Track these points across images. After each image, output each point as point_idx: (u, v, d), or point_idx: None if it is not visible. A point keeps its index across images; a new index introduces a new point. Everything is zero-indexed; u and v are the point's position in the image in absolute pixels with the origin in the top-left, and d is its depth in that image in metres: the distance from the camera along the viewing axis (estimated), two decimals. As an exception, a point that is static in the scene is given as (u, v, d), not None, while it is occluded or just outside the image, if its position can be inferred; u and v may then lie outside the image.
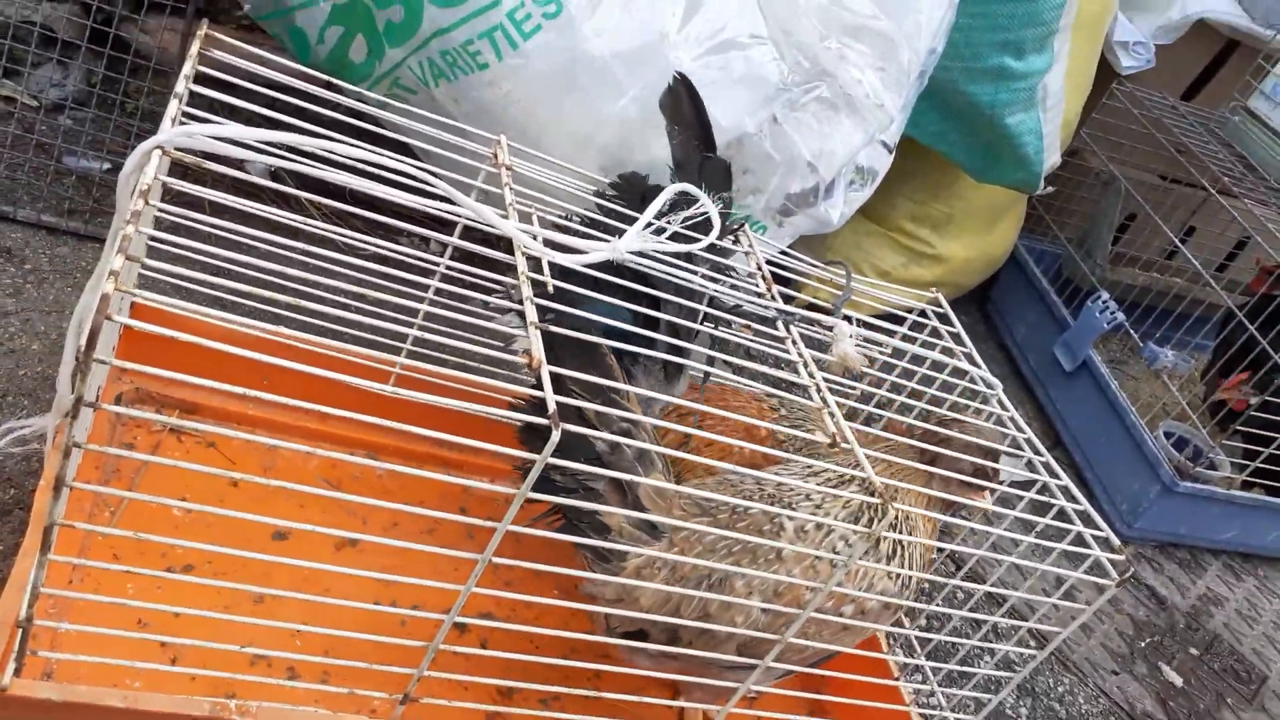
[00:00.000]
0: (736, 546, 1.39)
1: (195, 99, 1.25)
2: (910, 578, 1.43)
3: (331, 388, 1.21)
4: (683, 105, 1.62)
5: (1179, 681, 2.56)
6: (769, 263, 1.62)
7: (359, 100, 1.42)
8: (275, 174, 1.98)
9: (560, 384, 1.19)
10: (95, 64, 2.10)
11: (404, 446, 1.76)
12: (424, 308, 1.51)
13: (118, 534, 1.32)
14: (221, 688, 1.25)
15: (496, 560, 1.20)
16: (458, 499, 1.80)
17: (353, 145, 1.20)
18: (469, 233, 1.47)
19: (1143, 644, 2.63)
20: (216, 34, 1.37)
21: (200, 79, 1.31)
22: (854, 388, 1.66)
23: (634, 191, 1.55)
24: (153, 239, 1.11)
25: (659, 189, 1.51)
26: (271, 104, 1.32)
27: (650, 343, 1.35)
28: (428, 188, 1.29)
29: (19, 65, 2.14)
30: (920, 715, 1.67)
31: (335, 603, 1.22)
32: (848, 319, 1.57)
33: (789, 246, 1.94)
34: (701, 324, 1.48)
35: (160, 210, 1.15)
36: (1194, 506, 2.83)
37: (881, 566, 1.40)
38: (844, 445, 1.31)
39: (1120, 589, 2.77)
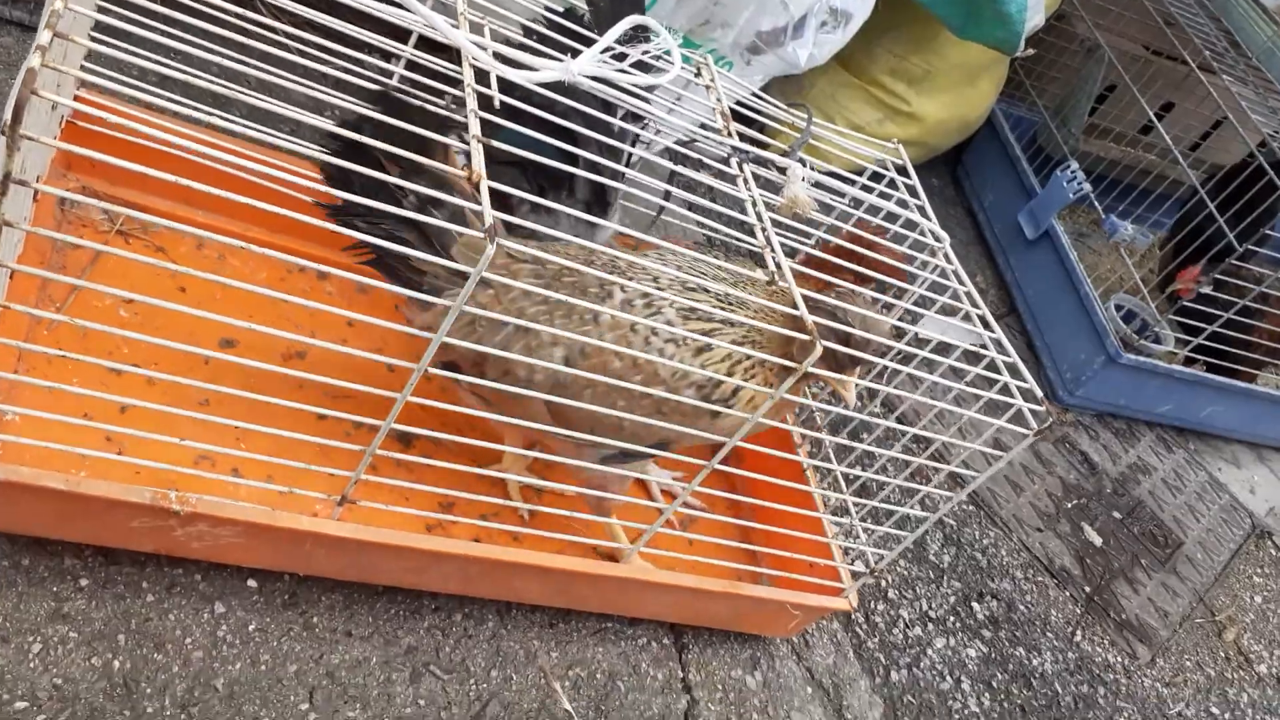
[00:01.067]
0: (554, 301, 1.39)
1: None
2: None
3: (281, 197, 1.20)
4: None
5: (1099, 541, 2.69)
6: (734, 102, 1.60)
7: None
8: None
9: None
10: None
11: (353, 266, 1.77)
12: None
13: (66, 320, 1.33)
14: (165, 482, 1.29)
15: (432, 370, 1.23)
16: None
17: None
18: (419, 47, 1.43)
19: (1070, 505, 2.75)
20: None
21: None
22: (808, 236, 1.68)
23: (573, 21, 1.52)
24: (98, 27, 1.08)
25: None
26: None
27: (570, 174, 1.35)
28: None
29: None
30: (840, 548, 1.76)
31: (280, 403, 1.25)
32: (803, 163, 1.57)
33: (761, 91, 1.91)
34: (630, 160, 1.47)
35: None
36: (1135, 378, 2.91)
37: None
38: (782, 283, 1.33)
39: (1054, 453, 2.89)
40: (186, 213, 1.69)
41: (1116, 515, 2.81)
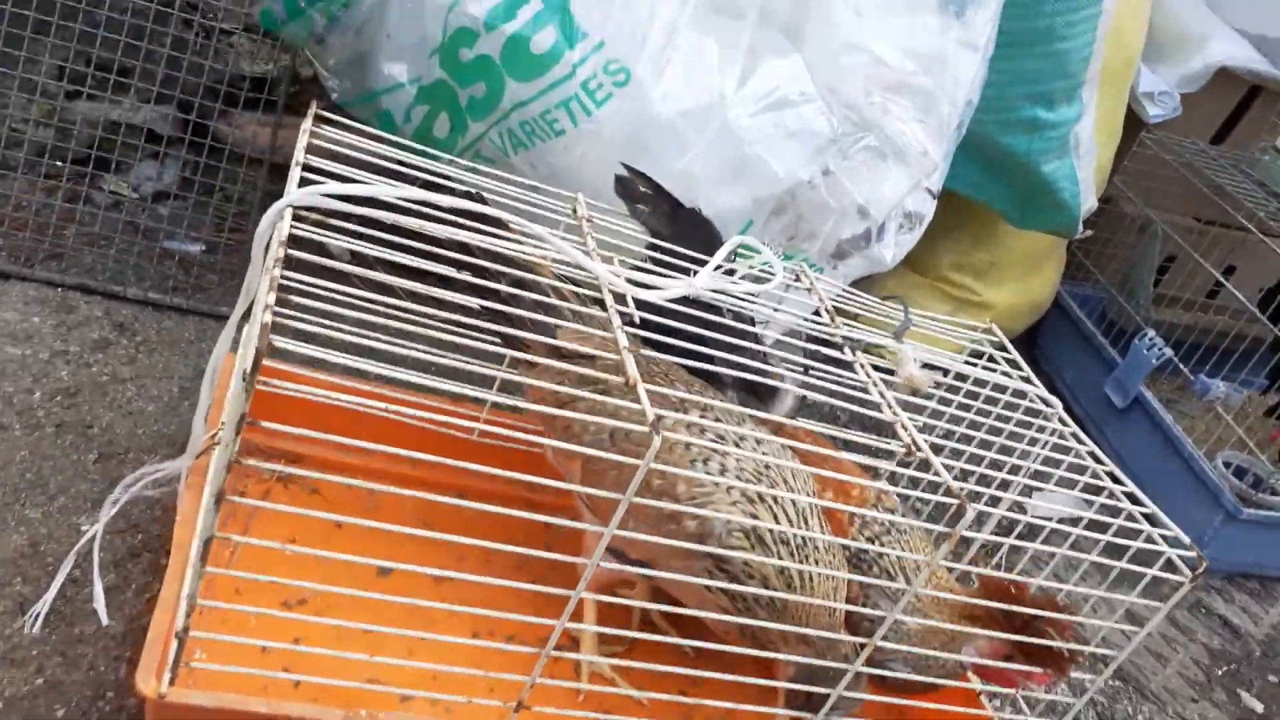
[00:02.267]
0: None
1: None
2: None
3: (423, 436, 1.32)
4: (636, 184, 1.78)
5: (1260, 708, 2.55)
6: (831, 298, 1.73)
7: (452, 167, 1.57)
8: (355, 255, 2.14)
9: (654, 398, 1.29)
10: (192, 156, 2.29)
11: (490, 488, 1.87)
12: (502, 372, 1.63)
13: (262, 544, 1.43)
14: (342, 705, 1.33)
15: (586, 596, 1.29)
16: (542, 535, 1.89)
17: (458, 199, 1.34)
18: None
19: (1220, 672, 2.62)
20: (324, 114, 1.53)
21: (310, 150, 1.46)
22: (923, 408, 1.75)
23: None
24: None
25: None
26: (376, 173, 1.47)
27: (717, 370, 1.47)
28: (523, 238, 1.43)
29: (127, 159, 2.34)
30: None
31: (441, 607, 1.32)
32: (910, 345, 1.67)
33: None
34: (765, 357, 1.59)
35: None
36: (1259, 533, 2.84)
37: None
38: (919, 453, 1.39)
39: (1192, 619, 2.78)
40: (338, 455, 1.82)
41: (1273, 678, 2.67)
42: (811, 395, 1.42)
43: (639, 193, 1.76)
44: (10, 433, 1.72)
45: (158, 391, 1.92)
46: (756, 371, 1.49)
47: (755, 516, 1.41)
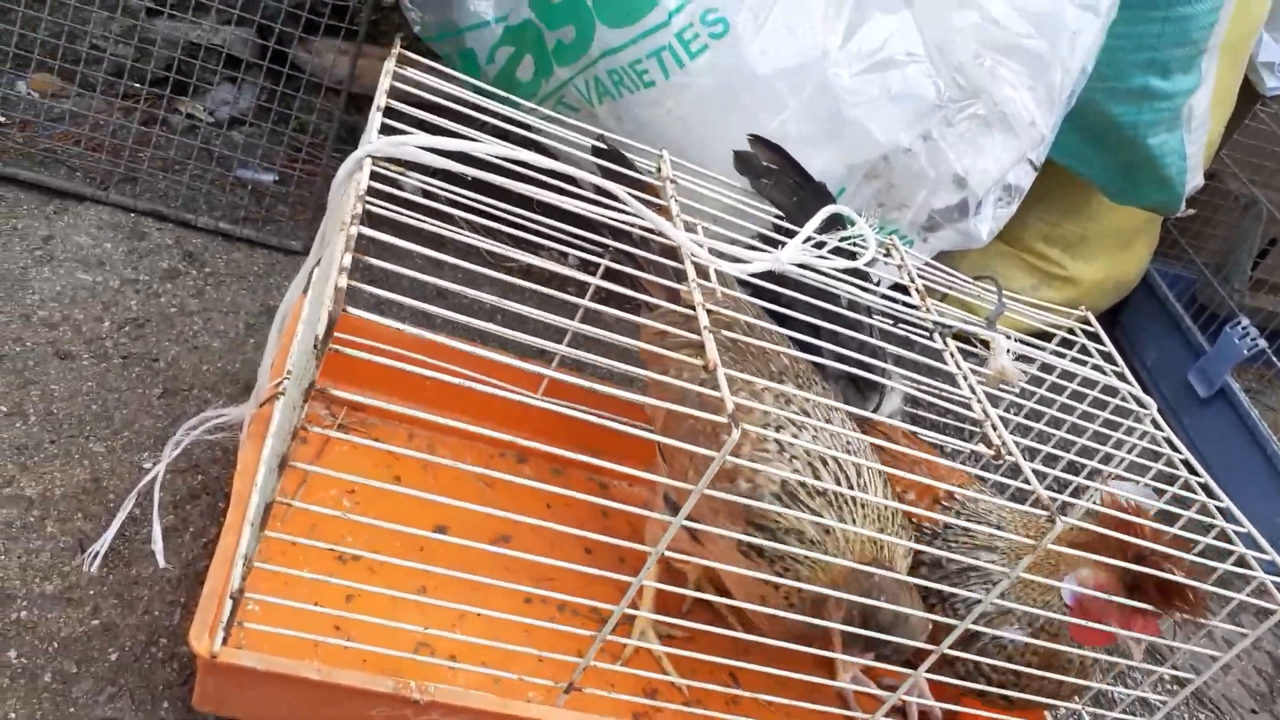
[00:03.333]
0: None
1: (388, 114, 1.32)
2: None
3: (486, 393, 1.27)
4: (758, 158, 1.67)
5: (1323, 722, 2.46)
6: (919, 276, 1.64)
7: (533, 116, 1.49)
8: (427, 193, 2.08)
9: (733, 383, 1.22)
10: (269, 83, 2.24)
11: (551, 452, 1.83)
12: (574, 325, 1.57)
13: (316, 510, 1.41)
14: (391, 670, 1.32)
15: (647, 584, 1.25)
16: (599, 509, 1.85)
17: (541, 157, 1.27)
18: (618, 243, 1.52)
19: (1284, 683, 2.53)
20: (407, 54, 1.46)
21: (392, 94, 1.39)
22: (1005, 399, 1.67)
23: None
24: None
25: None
26: (456, 120, 1.40)
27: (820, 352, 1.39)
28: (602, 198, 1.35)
29: (204, 83, 2.29)
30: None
31: (492, 583, 1.30)
32: (1006, 335, 1.58)
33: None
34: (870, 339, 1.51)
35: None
36: (1341, 541, 2.71)
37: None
38: (1007, 456, 1.32)
39: (1255, 624, 2.68)
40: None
41: (1340, 693, 2.57)
42: (904, 389, 1.34)
43: (761, 167, 1.67)
44: (78, 362, 1.71)
45: (224, 327, 1.90)
46: (863, 365, 1.41)
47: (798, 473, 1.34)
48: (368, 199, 1.17)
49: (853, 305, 1.51)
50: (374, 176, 1.22)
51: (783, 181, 1.64)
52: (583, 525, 1.28)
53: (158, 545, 1.44)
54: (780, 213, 1.62)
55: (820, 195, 1.67)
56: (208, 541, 1.52)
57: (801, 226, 1.49)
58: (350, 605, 1.45)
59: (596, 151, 1.57)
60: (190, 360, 1.80)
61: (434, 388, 1.41)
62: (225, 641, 1.18)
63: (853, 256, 1.50)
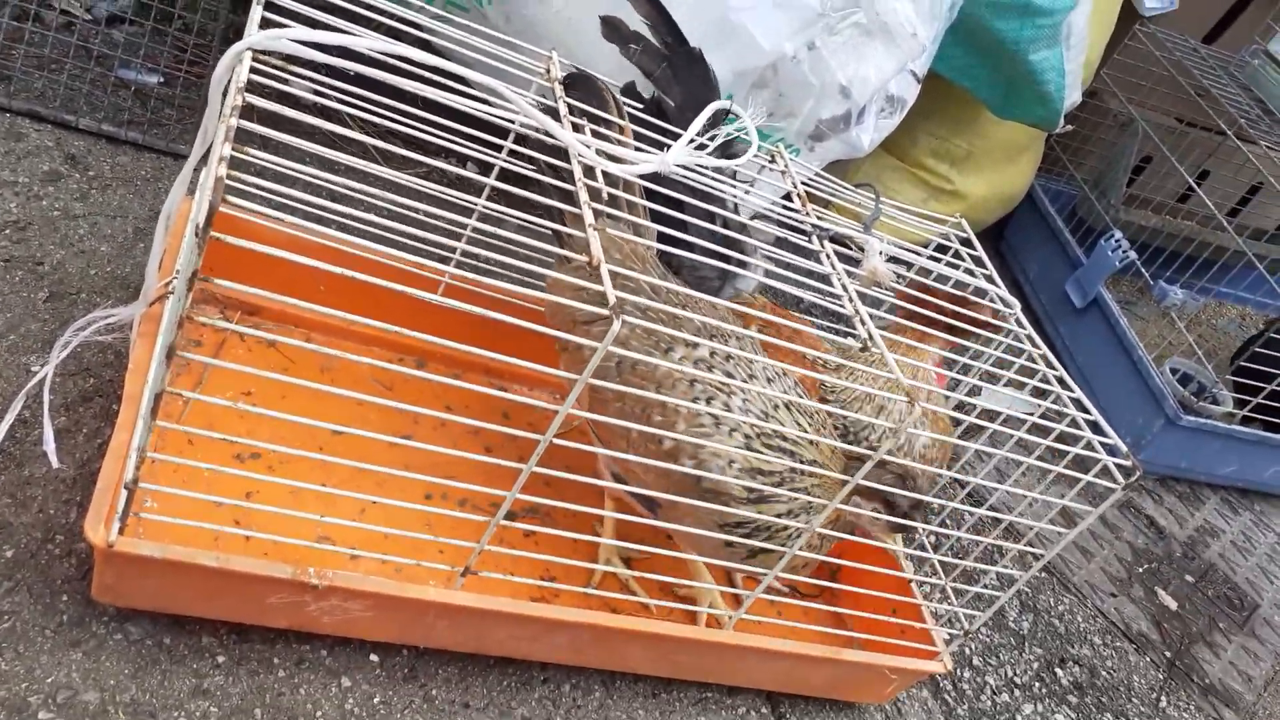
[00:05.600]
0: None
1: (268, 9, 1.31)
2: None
3: (384, 294, 1.30)
4: (626, 26, 1.67)
5: (1174, 605, 2.69)
6: (802, 183, 1.70)
7: (423, 16, 1.49)
8: (319, 93, 2.05)
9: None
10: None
11: (451, 353, 1.87)
12: (472, 222, 1.60)
13: (211, 402, 1.43)
14: (292, 560, 1.36)
15: (538, 470, 1.30)
16: (500, 402, 1.90)
17: (425, 54, 1.28)
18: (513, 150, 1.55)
19: (1140, 570, 2.75)
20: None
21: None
22: (883, 301, 1.76)
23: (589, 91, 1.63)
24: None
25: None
26: (347, 19, 1.39)
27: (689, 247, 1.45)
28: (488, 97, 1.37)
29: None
30: (930, 611, 1.79)
31: (394, 473, 1.34)
32: (878, 237, 1.66)
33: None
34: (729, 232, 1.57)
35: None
36: (1195, 440, 2.94)
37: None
38: (874, 349, 1.40)
39: (1120, 518, 2.90)
40: (297, 310, 1.80)
41: (1189, 579, 2.81)
42: (774, 283, 1.41)
43: (631, 33, 1.66)
44: (-44, 265, 1.67)
45: (111, 231, 1.87)
46: (722, 252, 1.47)
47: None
48: (251, 95, 1.17)
49: (715, 199, 1.58)
50: (258, 73, 1.22)
51: (651, 47, 1.66)
52: (483, 424, 1.31)
53: (50, 446, 1.45)
54: (650, 83, 1.65)
55: (693, 60, 1.68)
56: (102, 443, 1.52)
57: (670, 95, 1.53)
58: (251, 499, 1.49)
59: (608, 19, 1.61)
60: (77, 264, 1.78)
61: (331, 290, 1.43)
62: (121, 532, 1.21)
63: (734, 156, 1.55)
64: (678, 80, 1.61)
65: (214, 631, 1.41)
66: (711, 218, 1.55)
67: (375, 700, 1.45)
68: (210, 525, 1.35)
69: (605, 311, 1.18)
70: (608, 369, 1.47)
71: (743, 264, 1.48)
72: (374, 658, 1.49)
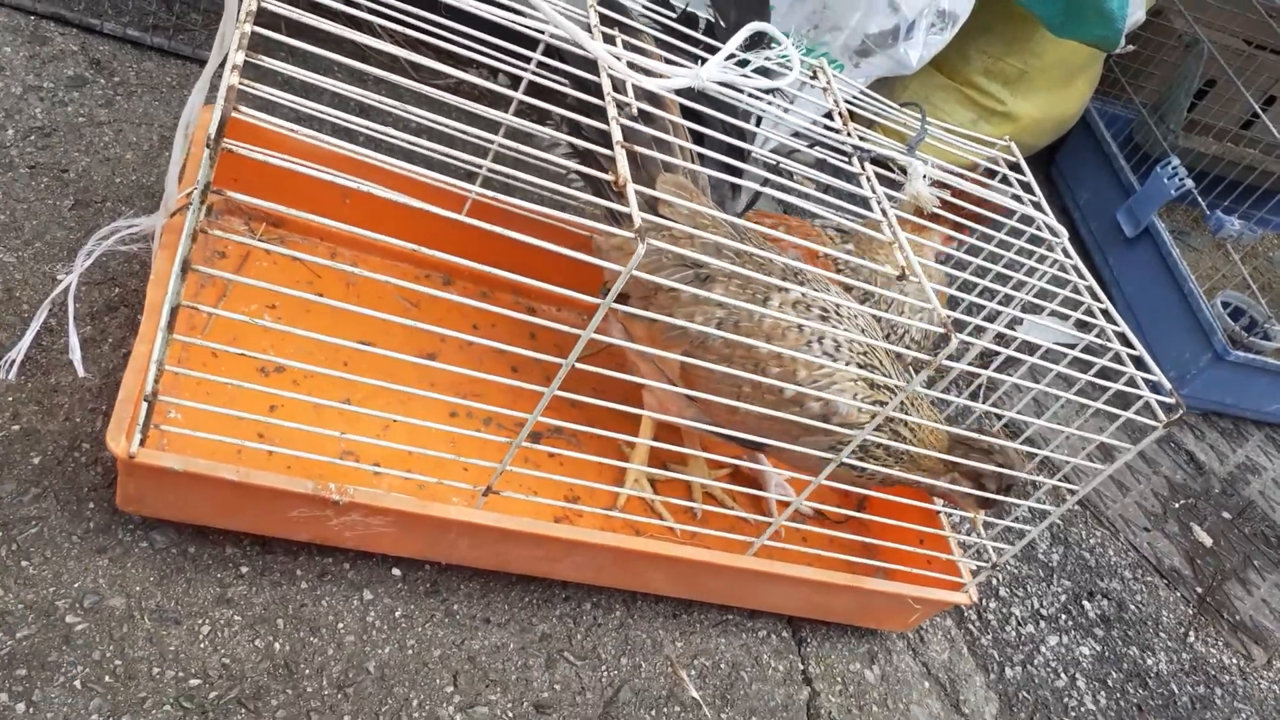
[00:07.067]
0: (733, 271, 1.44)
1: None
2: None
3: (410, 210, 1.26)
4: None
5: (1209, 542, 2.65)
6: (845, 101, 1.63)
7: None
8: (347, 1, 1.99)
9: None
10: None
11: (478, 271, 1.84)
12: (499, 140, 1.55)
13: (234, 318, 1.42)
14: (315, 475, 1.36)
15: (561, 394, 1.28)
16: (527, 323, 1.88)
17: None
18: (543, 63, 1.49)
19: (1177, 505, 2.71)
20: None
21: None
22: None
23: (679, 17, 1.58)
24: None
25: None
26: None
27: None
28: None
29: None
30: (958, 543, 1.77)
31: (418, 394, 1.33)
32: (922, 160, 1.59)
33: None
34: (757, 151, 1.52)
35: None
36: (1243, 376, 2.85)
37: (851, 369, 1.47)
38: (913, 278, 1.35)
39: (1159, 452, 2.84)
40: (320, 223, 1.77)
41: (1226, 515, 2.76)
42: (815, 209, 1.36)
43: None
44: (-17, 170, 1.66)
45: (136, 138, 1.85)
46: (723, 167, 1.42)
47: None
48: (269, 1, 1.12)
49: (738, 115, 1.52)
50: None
51: None
52: (509, 345, 1.29)
53: (75, 354, 1.45)
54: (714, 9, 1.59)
55: (761, 11, 1.63)
56: (127, 352, 1.52)
57: (725, 13, 1.47)
58: (274, 414, 1.49)
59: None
60: (102, 172, 1.76)
61: (356, 206, 1.41)
62: (143, 443, 1.21)
63: (776, 77, 1.49)
64: (740, 9, 1.55)
65: (238, 542, 1.42)
66: (742, 135, 1.49)
67: (397, 614, 1.46)
68: (233, 440, 1.35)
69: (630, 235, 1.14)
70: (709, 328, 1.46)
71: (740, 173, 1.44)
72: (396, 572, 1.50)
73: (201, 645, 1.31)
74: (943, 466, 1.54)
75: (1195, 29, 3.20)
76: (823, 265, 1.69)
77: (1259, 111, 3.02)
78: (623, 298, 1.53)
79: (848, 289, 1.62)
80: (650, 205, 1.50)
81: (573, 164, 1.36)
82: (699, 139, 1.43)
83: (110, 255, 1.60)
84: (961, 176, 1.68)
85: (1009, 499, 1.55)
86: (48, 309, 1.48)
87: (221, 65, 1.28)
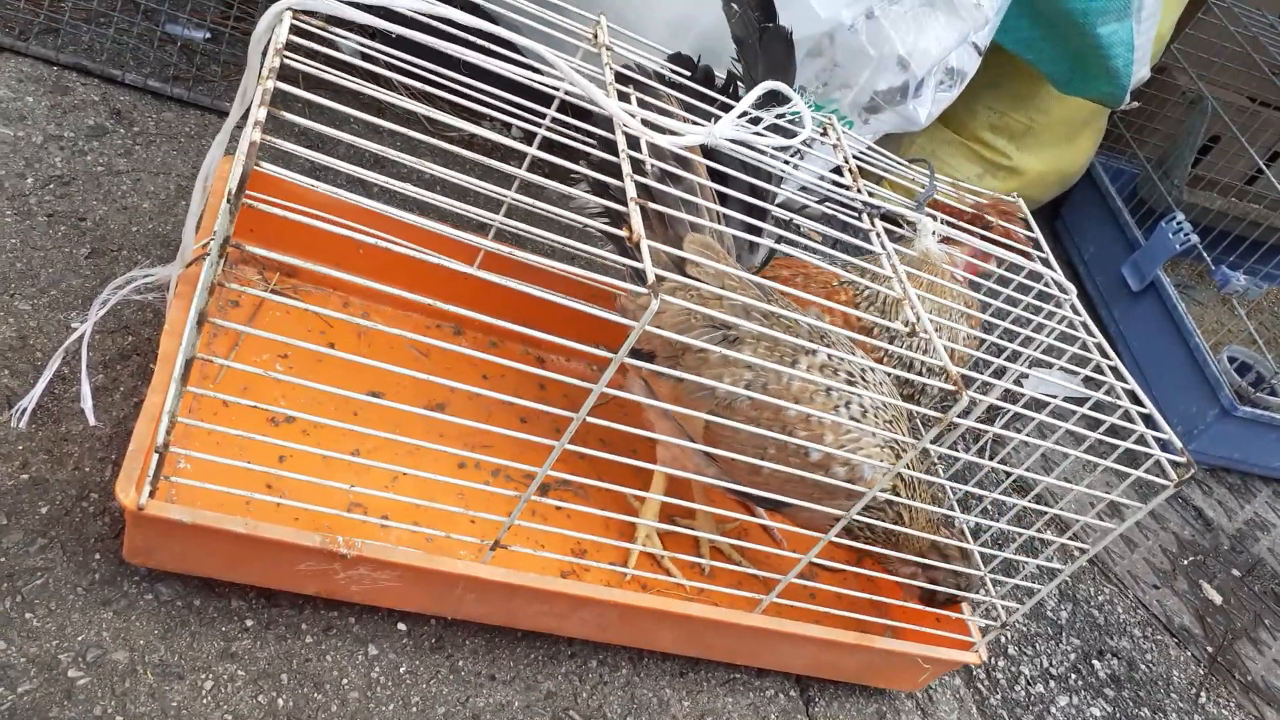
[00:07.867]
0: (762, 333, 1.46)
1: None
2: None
3: (422, 261, 1.27)
4: None
5: (1218, 599, 2.62)
6: (854, 157, 1.65)
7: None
8: (365, 58, 2.02)
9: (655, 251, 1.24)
10: (197, -68, 2.15)
11: (488, 322, 1.85)
12: (511, 194, 1.56)
13: (249, 370, 1.42)
14: (322, 527, 1.36)
15: (570, 448, 1.28)
16: (535, 378, 1.88)
17: (471, 17, 1.25)
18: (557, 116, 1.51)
19: (1185, 562, 2.68)
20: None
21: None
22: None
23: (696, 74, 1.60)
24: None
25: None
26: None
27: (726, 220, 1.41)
28: (532, 62, 1.33)
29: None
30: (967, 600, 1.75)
31: (427, 446, 1.32)
32: (931, 217, 1.61)
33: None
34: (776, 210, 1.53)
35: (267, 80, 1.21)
36: (1250, 432, 2.85)
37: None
38: (922, 334, 1.36)
39: (1167, 508, 2.82)
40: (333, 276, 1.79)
41: (1235, 573, 2.74)
42: (822, 263, 1.37)
43: None
44: (0, 218, 1.67)
45: (154, 188, 1.86)
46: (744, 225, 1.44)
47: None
48: (291, 56, 1.14)
49: (757, 173, 1.54)
50: (301, 34, 1.19)
51: (748, 15, 1.63)
52: (518, 396, 1.29)
53: (87, 403, 1.45)
54: (735, 49, 1.62)
55: (782, 39, 1.64)
56: (138, 401, 1.52)
57: (753, 70, 1.49)
58: (283, 465, 1.48)
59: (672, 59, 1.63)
60: (119, 221, 1.77)
61: (369, 257, 1.41)
62: (152, 495, 1.21)
63: (788, 134, 1.50)
64: (764, 54, 1.57)
65: (243, 595, 1.41)
66: (760, 194, 1.51)
67: (401, 669, 1.44)
68: (241, 492, 1.35)
69: (644, 291, 1.15)
70: (737, 389, 1.48)
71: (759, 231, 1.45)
72: (401, 627, 1.49)
73: (204, 701, 1.30)
74: (918, 555, 1.57)
75: (1199, 86, 3.24)
76: (841, 318, 1.70)
77: (1263, 167, 3.04)
78: (649, 356, 1.54)
79: (868, 350, 1.63)
80: (678, 265, 1.51)
81: (597, 223, 1.37)
82: (722, 199, 1.44)
83: (124, 303, 1.61)
84: (969, 232, 1.69)
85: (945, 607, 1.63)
86: (61, 358, 1.49)
87: (243, 119, 1.31)
